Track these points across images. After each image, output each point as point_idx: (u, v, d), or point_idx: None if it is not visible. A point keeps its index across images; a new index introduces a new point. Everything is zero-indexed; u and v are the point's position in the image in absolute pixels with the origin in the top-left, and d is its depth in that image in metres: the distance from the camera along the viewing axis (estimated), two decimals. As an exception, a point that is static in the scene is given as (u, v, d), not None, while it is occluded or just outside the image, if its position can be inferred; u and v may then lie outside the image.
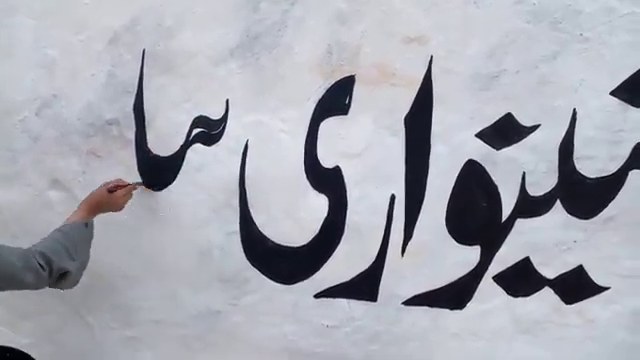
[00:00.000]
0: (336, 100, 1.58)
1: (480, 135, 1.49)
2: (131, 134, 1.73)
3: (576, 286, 1.49)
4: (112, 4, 1.68)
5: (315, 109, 1.60)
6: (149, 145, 1.72)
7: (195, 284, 1.75)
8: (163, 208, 1.73)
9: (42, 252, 1.43)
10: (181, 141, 1.68)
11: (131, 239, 1.77)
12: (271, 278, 1.69)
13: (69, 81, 1.75)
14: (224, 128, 1.65)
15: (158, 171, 1.72)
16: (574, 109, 1.43)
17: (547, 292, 1.51)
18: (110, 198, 1.62)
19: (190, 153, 1.69)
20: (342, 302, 1.65)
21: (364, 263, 1.61)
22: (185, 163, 1.69)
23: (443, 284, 1.57)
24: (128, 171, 1.73)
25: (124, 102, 1.72)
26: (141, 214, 1.75)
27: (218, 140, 1.66)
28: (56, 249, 1.46)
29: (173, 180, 1.71)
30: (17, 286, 1.41)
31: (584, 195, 1.45)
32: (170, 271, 1.76)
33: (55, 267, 1.44)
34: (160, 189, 1.72)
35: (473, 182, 1.51)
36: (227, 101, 1.65)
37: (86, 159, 1.77)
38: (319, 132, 1.60)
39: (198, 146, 1.68)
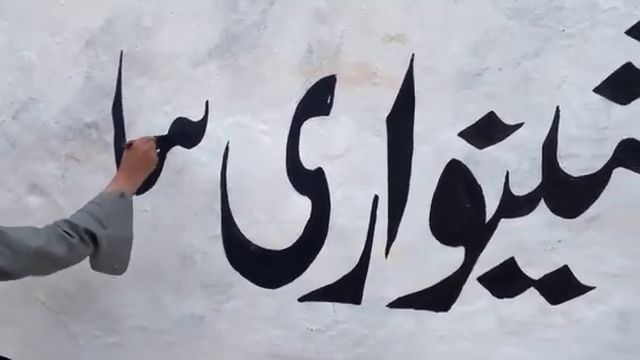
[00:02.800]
0: (317, 100, 1.54)
1: (463, 134, 1.45)
2: (110, 137, 1.68)
3: (561, 286, 1.44)
4: (88, 5, 1.64)
5: (296, 110, 1.56)
6: (128, 149, 1.68)
7: (178, 290, 1.71)
8: (143, 212, 1.68)
9: (66, 220, 1.35)
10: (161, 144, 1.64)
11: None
12: (255, 282, 1.64)
13: (46, 84, 1.71)
14: (204, 130, 1.62)
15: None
16: (557, 107, 1.40)
17: (532, 293, 1.47)
18: (132, 153, 1.50)
19: (170, 156, 1.65)
20: (327, 305, 1.60)
21: (348, 265, 1.57)
22: (165, 166, 1.65)
23: (428, 286, 1.52)
24: (108, 175, 1.67)
25: (103, 105, 1.68)
26: None
27: (198, 142, 1.62)
28: (81, 216, 1.38)
29: (153, 183, 1.67)
30: (52, 263, 1.31)
31: (568, 194, 1.41)
32: (153, 277, 1.72)
33: (81, 229, 1.33)
34: (140, 193, 1.69)
35: (456, 182, 1.47)
36: (207, 103, 1.61)
37: (65, 163, 1.73)
38: (301, 133, 1.56)
39: (178, 148, 1.64)
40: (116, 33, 1.63)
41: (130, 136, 1.67)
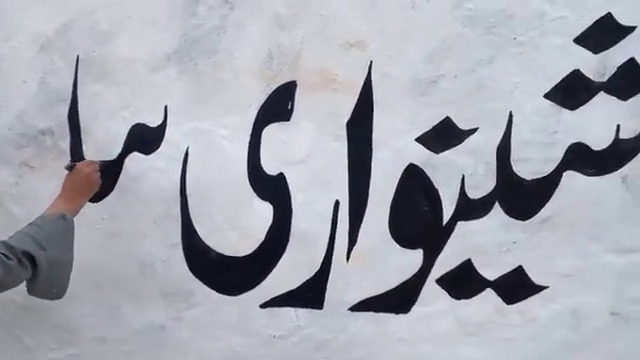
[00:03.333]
0: (278, 106, 1.53)
1: (420, 139, 1.48)
2: (66, 144, 1.63)
3: (516, 286, 1.49)
4: (43, 9, 1.59)
5: (257, 115, 1.55)
6: (85, 155, 1.62)
7: (138, 299, 1.67)
8: (101, 220, 1.64)
9: (3, 241, 1.30)
10: (118, 150, 1.61)
11: (69, 253, 1.69)
12: (216, 290, 1.62)
13: (0, 90, 1.65)
14: (163, 136, 1.59)
15: (107, 177, 1.59)
16: (510, 112, 1.44)
17: (489, 293, 1.51)
18: (73, 174, 1.48)
19: (128, 162, 1.61)
20: (289, 311, 1.60)
21: (310, 270, 1.57)
22: (123, 172, 1.61)
23: (388, 289, 1.54)
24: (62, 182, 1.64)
25: (58, 111, 1.63)
26: (77, 227, 1.63)
27: (157, 148, 1.60)
28: (19, 238, 1.33)
29: (111, 190, 1.63)
30: None
31: (522, 197, 1.46)
32: (111, 286, 1.68)
33: (19, 251, 1.28)
34: (97, 200, 1.65)
35: (414, 186, 1.49)
36: (166, 108, 1.58)
37: (19, 171, 1.67)
38: (262, 138, 1.56)
39: (136, 155, 1.61)
40: (72, 38, 1.58)
41: (87, 143, 1.63)
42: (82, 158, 1.62)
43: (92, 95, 1.61)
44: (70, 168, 1.51)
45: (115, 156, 1.62)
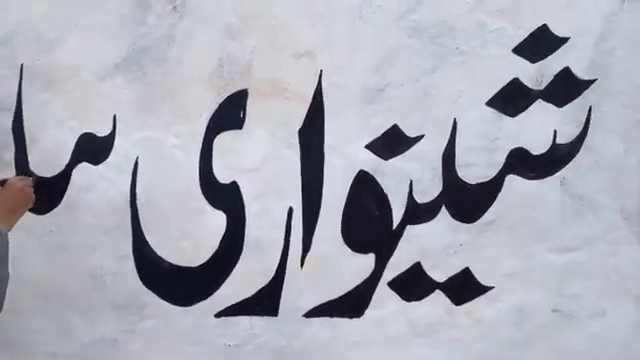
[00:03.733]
0: (230, 114, 1.54)
1: (369, 146, 1.52)
2: (10, 155, 1.58)
3: (464, 287, 1.54)
4: None
5: (209, 124, 1.55)
6: (31, 166, 1.58)
7: (88, 312, 1.63)
8: (48, 233, 1.60)
9: None
10: (66, 160, 1.57)
11: (16, 268, 1.59)
12: (169, 301, 1.60)
13: (-62, 99, 1.59)
14: (112, 145, 1.57)
15: (42, 193, 1.57)
16: (454, 119, 1.50)
17: (438, 295, 1.55)
18: (6, 190, 1.44)
19: (76, 173, 1.58)
20: (243, 320, 1.60)
21: (264, 278, 1.58)
22: (71, 184, 1.58)
23: (341, 293, 1.56)
24: None
25: (1, 121, 1.58)
26: (24, 240, 1.59)
27: (106, 158, 1.57)
28: None
29: (59, 202, 1.59)
30: None
31: (467, 200, 1.51)
32: (60, 300, 1.63)
33: None
34: (44, 212, 1.60)
35: (365, 192, 1.53)
36: (114, 117, 1.56)
37: (-40, 182, 1.61)
38: (214, 147, 1.56)
39: (84, 165, 1.58)
40: (16, 46, 1.54)
41: (33, 153, 1.59)
42: (27, 169, 1.58)
43: (38, 105, 1.57)
44: (1, 184, 1.47)
45: (63, 167, 1.58)
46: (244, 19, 1.51)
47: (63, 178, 1.58)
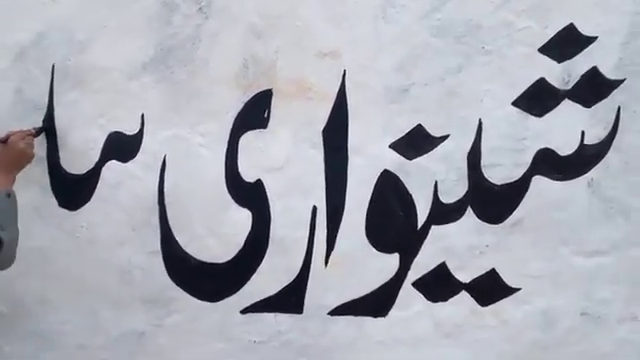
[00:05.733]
0: (255, 114, 1.68)
1: (393, 146, 1.65)
2: (43, 151, 1.76)
3: (490, 289, 1.65)
4: (19, 19, 1.72)
5: (234, 123, 1.69)
6: (62, 163, 1.77)
7: (117, 306, 1.80)
8: (79, 228, 1.78)
9: None
10: (96, 158, 1.75)
11: (47, 262, 1.80)
12: (196, 296, 1.76)
13: (-26, 98, 1.81)
14: (140, 143, 1.75)
15: (73, 190, 1.77)
16: (480, 119, 1.63)
17: (464, 296, 1.67)
18: (7, 149, 1.59)
19: (105, 170, 1.75)
20: (269, 316, 1.74)
21: (289, 276, 1.72)
22: (100, 181, 1.75)
23: (366, 292, 1.70)
24: (42, 190, 1.77)
25: (34, 119, 1.76)
26: (57, 235, 1.79)
27: (135, 156, 1.74)
28: None
29: (89, 199, 1.76)
30: None
31: (493, 201, 1.62)
32: (91, 293, 1.81)
33: None
34: (76, 208, 1.80)
35: (389, 192, 1.65)
36: (142, 116, 1.73)
37: (-4, 178, 1.82)
38: (239, 146, 1.70)
39: (114, 163, 1.75)
40: (47, 47, 1.72)
41: (64, 150, 1.78)
42: (59, 165, 1.78)
43: (68, 104, 1.75)
44: (4, 141, 1.62)
45: (93, 164, 1.76)
46: (268, 19, 1.64)
47: (93, 175, 1.76)
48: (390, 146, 1.64)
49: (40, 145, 1.79)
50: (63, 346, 1.86)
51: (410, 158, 1.64)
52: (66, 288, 1.83)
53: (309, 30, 1.63)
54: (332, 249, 1.71)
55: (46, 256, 1.83)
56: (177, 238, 1.75)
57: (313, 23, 1.62)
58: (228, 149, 1.72)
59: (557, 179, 1.61)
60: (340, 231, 1.70)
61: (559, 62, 1.57)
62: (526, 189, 1.61)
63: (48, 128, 1.74)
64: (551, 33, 1.56)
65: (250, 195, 1.72)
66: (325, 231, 1.71)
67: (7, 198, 1.55)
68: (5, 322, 1.85)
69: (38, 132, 1.72)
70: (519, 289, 1.66)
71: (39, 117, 1.78)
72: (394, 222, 1.67)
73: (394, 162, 1.65)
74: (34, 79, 1.76)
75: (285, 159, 1.70)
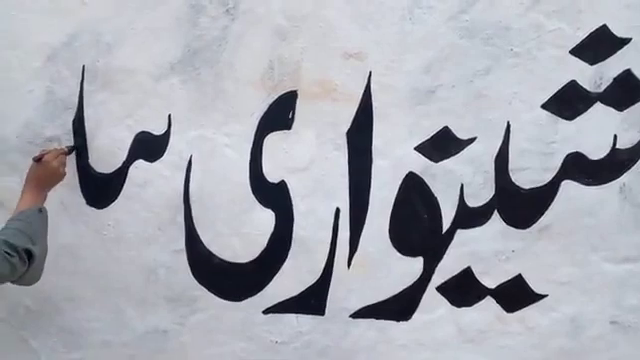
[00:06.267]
0: (279, 115, 1.67)
1: (419, 148, 1.62)
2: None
3: (516, 295, 1.61)
4: (49, 20, 1.73)
5: (259, 124, 1.69)
6: (90, 162, 1.79)
7: (142, 304, 1.81)
8: (106, 226, 1.79)
9: (4, 240, 1.46)
10: (123, 157, 1.76)
11: (75, 259, 1.82)
12: (219, 295, 1.76)
13: (6, 99, 1.81)
14: (167, 143, 1.75)
15: (100, 188, 1.79)
16: (508, 122, 1.58)
17: (489, 301, 1.63)
18: (41, 167, 1.64)
19: (133, 169, 1.76)
20: (291, 317, 1.73)
21: (311, 277, 1.71)
22: (128, 180, 1.76)
23: (389, 296, 1.67)
24: (70, 189, 1.78)
25: (64, 119, 1.78)
26: (84, 233, 1.81)
27: (161, 156, 1.75)
28: (15, 234, 1.49)
29: (116, 197, 1.78)
30: None
31: (520, 205, 1.59)
32: (116, 291, 1.82)
33: (20, 250, 1.47)
34: (103, 207, 1.82)
35: (414, 194, 1.63)
36: (169, 116, 1.74)
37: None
38: (264, 147, 1.70)
39: (141, 162, 1.76)
40: (77, 48, 1.73)
41: (92, 150, 1.80)
42: (87, 165, 1.80)
43: (97, 104, 1.77)
44: (38, 159, 1.66)
45: (120, 163, 1.77)
46: (294, 21, 1.63)
47: (120, 174, 1.78)
48: (415, 148, 1.62)
49: (69, 144, 1.80)
50: (90, 343, 1.88)
51: (436, 161, 1.61)
52: (93, 285, 1.85)
53: (335, 31, 1.61)
54: (355, 251, 1.70)
55: (74, 253, 1.85)
56: (201, 237, 1.76)
57: (339, 24, 1.61)
58: (253, 150, 1.71)
59: (587, 184, 1.56)
60: (363, 233, 1.68)
61: (591, 64, 1.52)
62: (555, 194, 1.57)
63: (79, 147, 1.77)
64: (583, 35, 1.51)
65: (274, 196, 1.72)
66: (348, 233, 1.69)
67: (39, 214, 1.59)
68: (33, 318, 1.88)
69: (70, 150, 1.75)
70: (546, 295, 1.61)
71: (69, 117, 1.80)
72: (418, 225, 1.65)
73: (419, 164, 1.62)
74: (64, 80, 1.78)
75: (309, 160, 1.69)
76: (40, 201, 1.64)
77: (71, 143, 1.81)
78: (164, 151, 1.76)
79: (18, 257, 1.48)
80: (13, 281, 1.54)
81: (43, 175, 1.65)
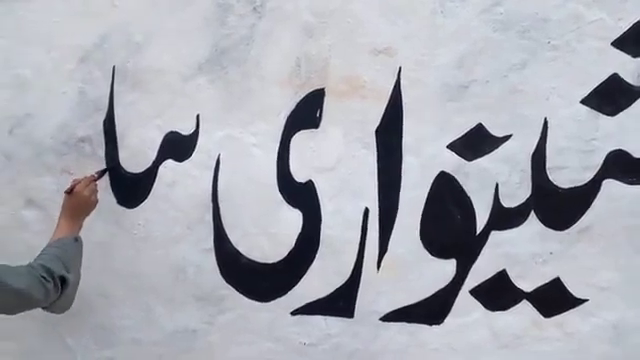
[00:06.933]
0: (307, 113, 1.63)
1: (451, 146, 1.54)
2: (101, 151, 1.79)
3: (554, 299, 1.51)
4: (82, 22, 1.75)
5: (286, 123, 1.66)
6: (121, 162, 1.79)
7: (171, 302, 1.80)
8: (137, 225, 1.79)
9: (42, 265, 1.50)
10: (152, 157, 1.76)
11: (107, 257, 1.83)
12: (247, 295, 1.73)
13: (41, 100, 1.83)
14: (196, 143, 1.73)
15: (130, 188, 1.79)
16: (545, 118, 1.49)
17: (525, 305, 1.54)
18: (73, 198, 1.66)
19: (162, 169, 1.75)
20: (319, 319, 1.69)
21: (340, 278, 1.66)
22: (157, 179, 1.76)
23: (420, 299, 1.60)
24: (101, 188, 1.78)
25: (96, 119, 1.80)
26: (115, 232, 1.81)
27: (190, 156, 1.74)
28: (52, 260, 1.52)
29: (146, 197, 1.77)
30: (27, 305, 1.48)
31: (559, 206, 1.49)
32: (146, 289, 1.82)
33: (56, 276, 1.50)
34: (133, 206, 1.81)
35: (446, 194, 1.56)
36: (198, 116, 1.73)
37: (60, 177, 1.83)
38: (291, 146, 1.66)
39: (170, 162, 1.75)
40: (108, 49, 1.74)
41: (122, 150, 1.81)
42: (118, 164, 1.80)
43: (127, 104, 1.77)
44: (69, 191, 1.69)
45: (149, 163, 1.77)
46: (321, 17, 1.59)
47: (150, 174, 1.77)
48: (448, 146, 1.55)
49: (101, 145, 1.81)
50: (121, 341, 1.88)
51: (469, 159, 1.54)
52: (124, 283, 1.86)
53: (363, 26, 1.56)
54: (384, 252, 1.64)
55: (105, 252, 1.86)
56: (230, 237, 1.74)
57: (367, 19, 1.55)
58: (280, 149, 1.68)
59: (630, 183, 1.46)
60: (393, 234, 1.63)
61: (634, 57, 1.42)
62: (595, 193, 1.47)
63: (110, 169, 1.79)
64: (625, 26, 1.41)
65: (301, 195, 1.68)
66: (377, 234, 1.63)
67: (75, 242, 1.62)
68: (70, 316, 1.87)
69: (100, 175, 1.76)
70: (586, 300, 1.52)
71: (100, 117, 1.81)
72: (451, 226, 1.58)
73: (452, 163, 1.55)
74: (96, 81, 1.79)
75: (337, 159, 1.64)
76: (76, 230, 1.66)
77: (102, 143, 1.81)
78: (193, 151, 1.74)
79: (53, 283, 1.50)
80: (44, 307, 1.56)
81: (77, 205, 1.67)
